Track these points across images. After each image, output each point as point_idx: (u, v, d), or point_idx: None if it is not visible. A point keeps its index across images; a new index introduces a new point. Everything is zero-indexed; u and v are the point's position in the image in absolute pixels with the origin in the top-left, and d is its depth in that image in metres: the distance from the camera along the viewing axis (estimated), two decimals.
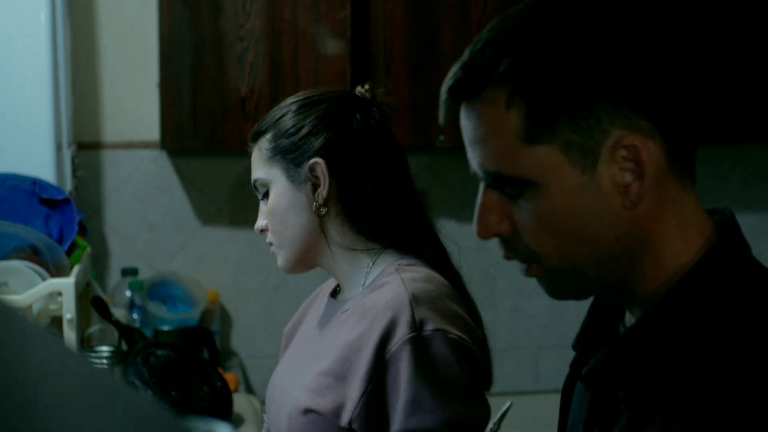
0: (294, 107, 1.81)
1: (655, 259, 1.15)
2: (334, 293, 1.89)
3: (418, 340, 1.65)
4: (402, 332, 1.66)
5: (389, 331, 1.66)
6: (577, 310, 3.63)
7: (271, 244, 1.83)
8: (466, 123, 1.16)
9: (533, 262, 1.16)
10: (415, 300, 1.68)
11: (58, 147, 2.91)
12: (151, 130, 3.39)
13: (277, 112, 1.83)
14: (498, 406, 1.84)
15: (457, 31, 3.23)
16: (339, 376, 1.70)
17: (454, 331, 1.68)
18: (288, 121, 1.80)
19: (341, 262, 1.81)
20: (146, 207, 3.47)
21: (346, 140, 1.79)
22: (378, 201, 1.80)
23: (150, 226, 3.48)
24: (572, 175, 1.11)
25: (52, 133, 2.87)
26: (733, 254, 1.16)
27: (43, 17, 2.85)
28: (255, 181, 1.83)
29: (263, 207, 1.82)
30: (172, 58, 3.20)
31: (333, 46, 3.20)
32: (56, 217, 2.71)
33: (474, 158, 1.16)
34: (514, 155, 1.12)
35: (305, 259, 1.82)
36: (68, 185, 2.98)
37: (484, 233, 1.16)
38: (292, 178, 1.78)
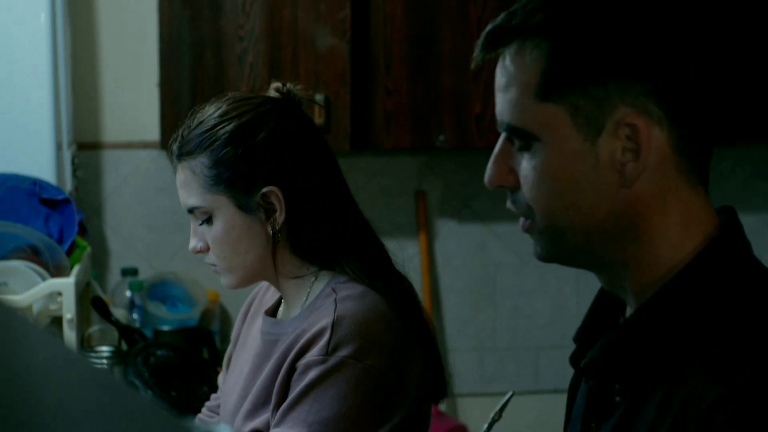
0: (228, 129, 1.72)
1: (650, 249, 1.16)
2: (275, 310, 1.86)
3: (323, 364, 1.63)
4: (313, 352, 1.64)
5: (304, 350, 1.66)
6: (577, 311, 3.65)
7: (213, 264, 1.77)
8: (498, 70, 1.20)
9: (529, 218, 1.19)
10: (338, 323, 1.64)
11: (58, 147, 2.91)
12: (151, 130, 3.39)
13: (205, 133, 1.74)
14: (496, 406, 1.84)
15: (457, 31, 3.23)
16: (270, 393, 1.70)
17: (367, 361, 1.64)
18: (227, 148, 1.71)
19: (286, 285, 1.78)
20: (146, 207, 3.47)
21: (293, 161, 1.73)
22: (324, 219, 1.75)
23: (150, 226, 3.48)
24: (574, 139, 1.14)
25: (52, 133, 2.87)
26: (732, 251, 1.16)
27: (43, 17, 2.85)
28: (194, 208, 1.75)
29: (198, 228, 1.76)
30: (172, 58, 3.20)
31: (333, 46, 3.20)
32: (56, 217, 2.71)
33: (497, 105, 1.20)
34: (524, 108, 1.16)
35: (254, 280, 1.80)
36: (68, 185, 2.98)
37: (491, 181, 1.21)
38: (244, 207, 1.72)
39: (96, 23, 3.40)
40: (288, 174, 1.72)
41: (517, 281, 3.66)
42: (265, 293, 1.93)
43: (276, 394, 1.67)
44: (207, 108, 1.78)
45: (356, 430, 1.63)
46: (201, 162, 1.73)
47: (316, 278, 1.75)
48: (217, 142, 1.72)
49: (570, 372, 1.30)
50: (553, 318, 3.68)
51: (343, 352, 1.63)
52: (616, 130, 1.13)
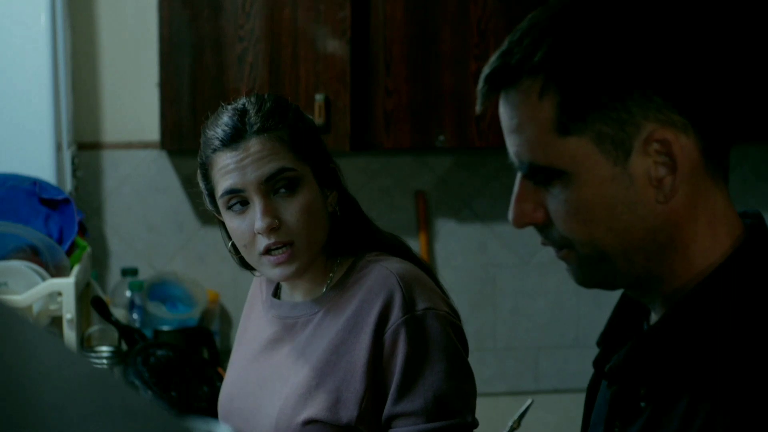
0: (293, 108, 1.78)
1: (683, 257, 1.15)
2: (276, 294, 1.87)
3: (412, 321, 1.67)
4: (396, 315, 1.67)
5: (384, 316, 1.68)
6: (577, 311, 3.65)
7: (283, 244, 1.70)
8: (503, 112, 1.17)
9: (566, 248, 1.17)
10: (403, 281, 1.70)
11: (58, 147, 2.91)
12: (151, 130, 3.39)
13: (279, 108, 1.74)
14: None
15: (457, 32, 3.23)
16: (326, 372, 1.70)
17: (441, 308, 1.71)
18: (302, 122, 1.76)
19: (319, 264, 1.79)
20: (146, 207, 3.47)
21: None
22: (352, 202, 1.84)
23: (150, 226, 3.48)
24: (604, 166, 1.12)
25: (52, 133, 2.87)
26: (761, 255, 1.16)
27: (43, 18, 2.85)
28: (285, 169, 1.70)
29: (269, 204, 1.70)
30: (172, 58, 3.20)
31: (333, 46, 3.20)
32: (56, 217, 2.71)
33: (510, 147, 1.17)
34: (546, 145, 1.13)
35: (312, 262, 1.76)
36: (68, 185, 2.98)
37: (519, 221, 1.17)
38: (320, 179, 1.76)
39: (96, 23, 3.40)
40: (328, 155, 1.81)
41: (517, 281, 3.66)
42: (257, 289, 1.94)
43: (365, 373, 1.67)
44: (250, 97, 1.78)
45: (459, 379, 1.70)
46: (284, 131, 1.73)
47: (337, 263, 1.79)
48: (292, 116, 1.75)
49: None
50: (553, 318, 3.68)
51: (421, 305, 1.68)
52: (646, 147, 1.11)
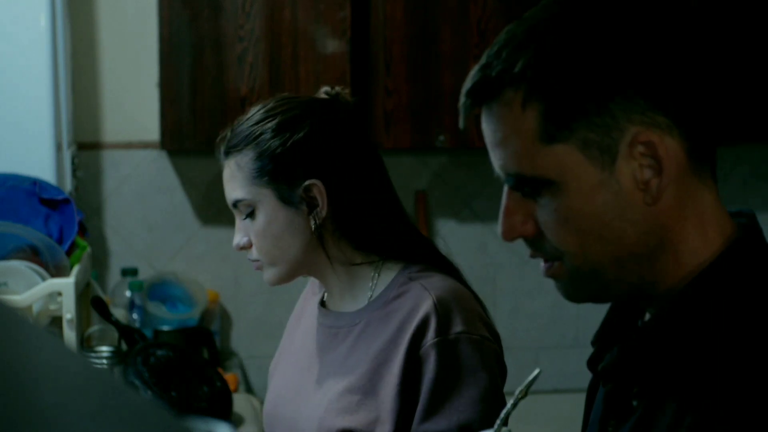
0: (273, 123, 1.74)
1: (674, 258, 1.14)
2: (323, 302, 1.87)
3: (443, 344, 1.67)
4: (429, 337, 1.67)
5: (417, 337, 1.68)
6: (577, 311, 3.65)
7: (255, 260, 1.79)
8: (486, 126, 1.17)
9: (556, 260, 1.17)
10: (440, 303, 1.69)
11: (58, 147, 2.91)
12: (151, 130, 3.39)
13: (251, 127, 1.76)
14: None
15: (457, 31, 3.23)
16: (368, 390, 1.70)
17: (476, 332, 1.71)
18: (272, 142, 1.73)
19: (341, 276, 1.79)
20: (146, 207, 3.47)
21: (336, 156, 1.76)
22: (371, 212, 1.78)
23: (150, 226, 3.48)
24: (591, 172, 1.11)
25: (52, 133, 2.87)
26: (752, 253, 1.15)
27: (43, 18, 2.85)
28: (237, 201, 1.77)
29: (243, 224, 1.78)
30: (172, 58, 3.20)
31: (333, 46, 3.20)
32: (56, 217, 2.71)
33: (496, 161, 1.17)
34: (533, 155, 1.13)
35: (297, 274, 1.80)
36: (68, 185, 2.98)
37: (509, 235, 1.17)
38: (287, 200, 1.74)
39: (96, 23, 3.40)
40: (330, 168, 1.75)
41: (517, 281, 3.66)
42: (310, 298, 1.94)
43: (398, 393, 1.68)
44: (255, 106, 1.81)
45: (487, 405, 1.69)
46: (247, 155, 1.75)
47: (379, 270, 1.78)
48: (263, 136, 1.75)
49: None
50: (553, 318, 3.68)
51: (455, 329, 1.69)
52: (631, 150, 1.10)
